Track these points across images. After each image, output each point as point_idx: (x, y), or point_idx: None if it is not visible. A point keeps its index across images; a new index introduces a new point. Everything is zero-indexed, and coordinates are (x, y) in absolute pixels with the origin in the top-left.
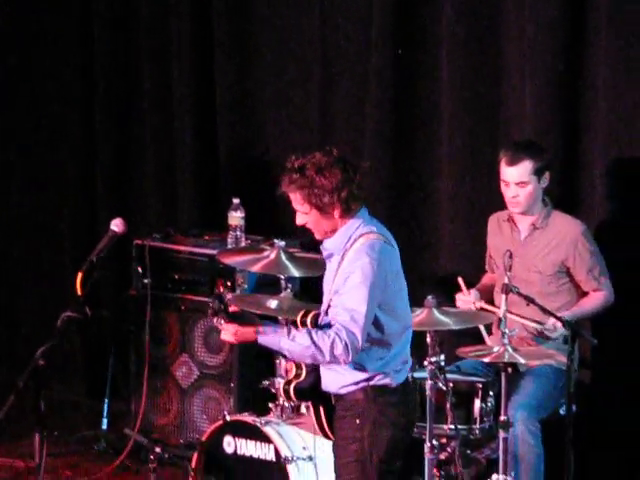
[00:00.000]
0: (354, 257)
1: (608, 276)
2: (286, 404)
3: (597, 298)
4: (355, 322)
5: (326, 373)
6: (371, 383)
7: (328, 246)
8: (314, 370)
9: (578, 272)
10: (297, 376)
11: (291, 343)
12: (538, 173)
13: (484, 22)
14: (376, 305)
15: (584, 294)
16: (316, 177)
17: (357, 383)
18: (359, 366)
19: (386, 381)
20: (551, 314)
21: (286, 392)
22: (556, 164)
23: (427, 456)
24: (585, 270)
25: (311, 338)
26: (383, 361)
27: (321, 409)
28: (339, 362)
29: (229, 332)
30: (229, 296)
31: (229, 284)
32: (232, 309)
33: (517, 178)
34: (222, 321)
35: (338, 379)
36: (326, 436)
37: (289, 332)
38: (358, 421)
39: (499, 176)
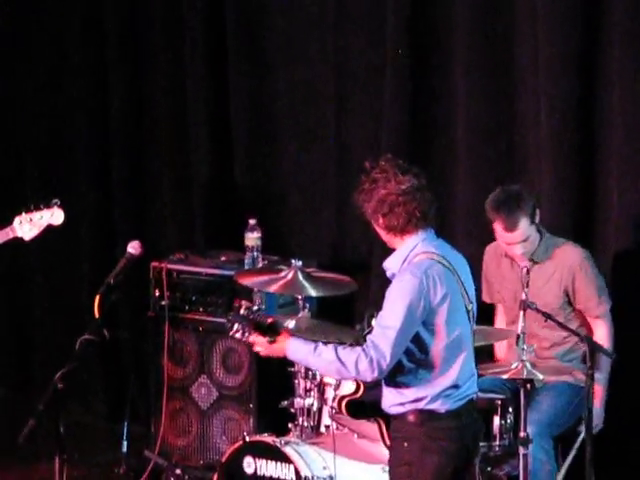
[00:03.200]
0: (398, 277)
1: (608, 304)
2: (305, 424)
3: (605, 332)
4: (385, 338)
5: (384, 391)
6: (419, 407)
7: (387, 265)
8: (375, 388)
9: (577, 301)
10: (354, 392)
11: (317, 359)
12: (532, 219)
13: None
14: (417, 323)
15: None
16: (374, 191)
17: (403, 404)
18: (404, 386)
19: (434, 406)
20: (569, 330)
21: (339, 407)
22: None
23: None
24: (583, 299)
25: (336, 353)
26: (428, 383)
27: (382, 426)
28: (365, 378)
29: (259, 345)
30: (255, 308)
31: (246, 303)
32: (269, 321)
33: (520, 238)
34: (248, 333)
35: (388, 398)
36: None
37: (316, 348)
38: (406, 444)
39: (491, 228)
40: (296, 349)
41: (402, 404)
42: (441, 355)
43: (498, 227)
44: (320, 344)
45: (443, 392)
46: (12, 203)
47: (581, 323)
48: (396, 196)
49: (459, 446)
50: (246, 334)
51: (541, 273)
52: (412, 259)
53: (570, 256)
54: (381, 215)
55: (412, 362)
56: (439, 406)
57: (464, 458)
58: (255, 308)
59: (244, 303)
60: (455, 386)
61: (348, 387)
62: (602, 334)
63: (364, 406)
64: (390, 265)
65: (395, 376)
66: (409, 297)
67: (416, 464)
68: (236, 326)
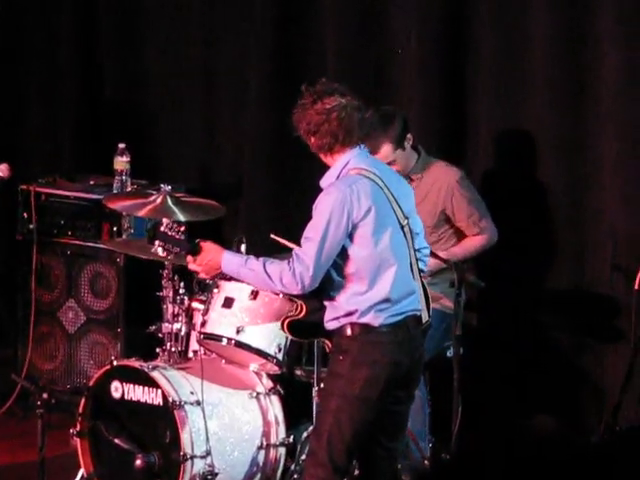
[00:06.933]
0: (324, 192)
1: (489, 217)
2: (173, 349)
3: (477, 240)
4: (307, 251)
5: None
6: (353, 320)
7: (322, 183)
8: (320, 309)
9: (458, 219)
10: (297, 313)
11: (247, 271)
12: (400, 145)
13: None
14: (342, 236)
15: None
16: (303, 112)
17: (338, 319)
18: (336, 301)
19: (367, 319)
20: (437, 257)
21: (282, 326)
22: (442, 110)
23: (315, 400)
24: (465, 217)
25: (264, 266)
26: (359, 297)
27: (329, 346)
28: (291, 291)
29: (197, 265)
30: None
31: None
32: (197, 240)
33: (382, 162)
34: (171, 250)
35: (326, 314)
36: None
37: (247, 260)
38: (341, 357)
39: None
40: (229, 261)
41: (337, 318)
42: (368, 268)
43: None
44: (251, 257)
45: (375, 306)
46: None
47: (454, 241)
48: (320, 115)
49: (391, 361)
50: (171, 251)
51: (418, 191)
52: (343, 176)
53: (446, 175)
54: (311, 135)
55: (341, 276)
56: (372, 320)
57: (397, 374)
58: (175, 226)
59: (165, 220)
60: (387, 300)
61: (296, 309)
62: (473, 240)
63: (306, 326)
64: (324, 183)
65: (328, 291)
66: (330, 210)
67: (346, 376)
68: (157, 243)
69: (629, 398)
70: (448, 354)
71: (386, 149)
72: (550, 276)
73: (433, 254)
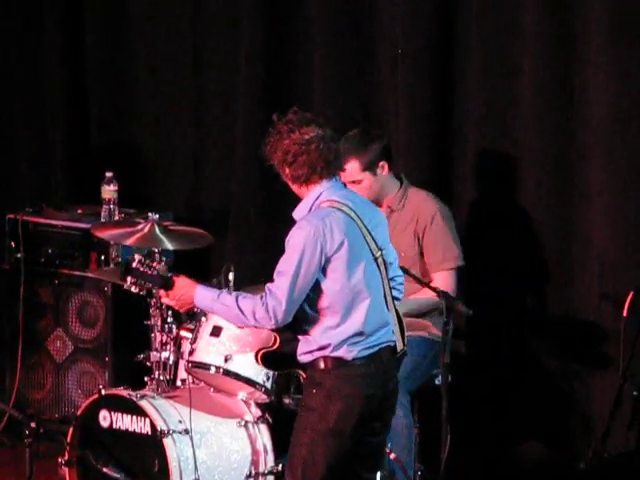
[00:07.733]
0: (296, 225)
1: (455, 264)
2: (161, 377)
3: (427, 294)
4: (280, 285)
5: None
6: (326, 354)
7: (294, 215)
8: (293, 340)
9: (426, 254)
10: (270, 345)
11: (220, 306)
12: (370, 168)
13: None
14: (314, 270)
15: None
16: (279, 142)
17: (311, 352)
18: (309, 334)
19: (340, 353)
20: (426, 285)
21: (255, 358)
22: (427, 152)
23: None
24: (431, 252)
25: (236, 301)
26: (331, 330)
27: (302, 377)
28: (264, 326)
29: (169, 300)
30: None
31: (138, 256)
32: (169, 275)
33: (347, 178)
34: (144, 286)
35: (299, 347)
36: None
37: (219, 295)
38: (314, 390)
39: None
40: (203, 296)
41: (310, 352)
42: (342, 302)
43: None
44: (224, 291)
45: (348, 339)
46: None
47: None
48: (299, 146)
49: (365, 394)
50: (144, 287)
51: (399, 221)
52: (316, 208)
53: (425, 207)
54: (287, 166)
55: (314, 310)
56: (345, 353)
57: (371, 406)
58: (148, 261)
59: (137, 256)
60: (360, 333)
61: (270, 340)
62: (428, 293)
63: (280, 358)
64: (297, 215)
65: (301, 324)
66: (303, 243)
67: (320, 410)
68: (129, 279)
69: (617, 424)
70: (436, 382)
71: (353, 166)
72: (538, 303)
73: (426, 285)
